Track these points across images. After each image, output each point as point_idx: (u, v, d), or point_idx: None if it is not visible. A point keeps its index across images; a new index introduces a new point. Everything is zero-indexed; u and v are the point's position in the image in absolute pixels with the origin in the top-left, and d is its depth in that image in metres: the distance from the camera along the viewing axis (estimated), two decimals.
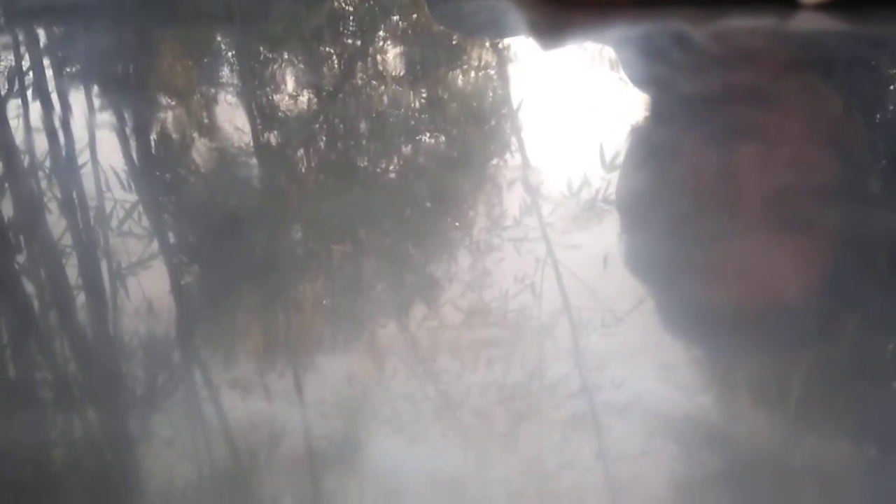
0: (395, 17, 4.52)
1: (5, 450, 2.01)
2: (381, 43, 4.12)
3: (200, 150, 3.32)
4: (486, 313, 2.39)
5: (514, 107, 3.58)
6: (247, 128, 3.48)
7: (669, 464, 1.90)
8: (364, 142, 3.39)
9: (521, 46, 4.07)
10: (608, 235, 2.72)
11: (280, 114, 3.57)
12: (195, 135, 3.40)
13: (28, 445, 2.04)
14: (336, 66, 3.95)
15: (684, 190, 2.83)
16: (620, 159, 3.10)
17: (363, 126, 3.49)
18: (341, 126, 3.52)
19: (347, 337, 2.34)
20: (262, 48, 4.08)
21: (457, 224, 2.87)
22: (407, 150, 3.33)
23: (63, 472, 1.98)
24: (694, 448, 1.93)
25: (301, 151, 3.34)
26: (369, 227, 2.82)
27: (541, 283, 2.50)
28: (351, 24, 4.46)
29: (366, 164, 3.25)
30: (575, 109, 3.48)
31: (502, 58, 3.94)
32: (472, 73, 3.82)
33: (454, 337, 2.31)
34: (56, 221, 2.88)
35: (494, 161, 3.21)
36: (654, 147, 3.14)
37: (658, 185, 2.89)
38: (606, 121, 3.39)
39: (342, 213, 2.90)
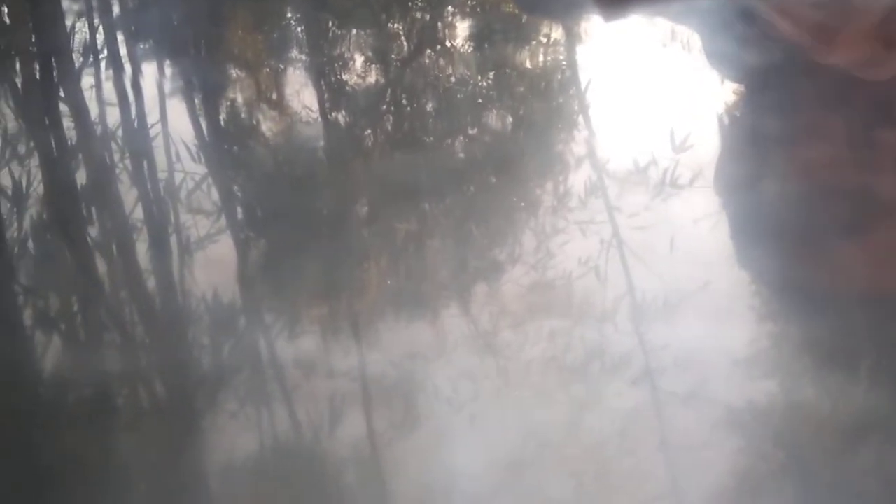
0: None
1: (75, 417, 2.06)
2: (449, 18, 4.10)
3: (268, 122, 3.34)
4: (549, 294, 2.39)
5: (582, 85, 3.54)
6: (314, 102, 3.49)
7: (732, 455, 1.88)
8: (430, 118, 3.39)
9: (592, 24, 4.02)
10: (676, 217, 2.69)
11: (347, 88, 3.58)
12: (264, 107, 3.43)
13: (96, 413, 2.09)
14: (404, 41, 3.94)
15: (795, 176, 2.78)
16: (691, 141, 3.06)
17: (430, 102, 3.49)
18: (408, 102, 3.51)
19: (410, 314, 2.35)
20: (330, 22, 4.09)
21: (522, 204, 2.86)
22: (473, 127, 3.32)
23: (129, 441, 2.03)
24: (757, 439, 1.91)
25: (367, 127, 3.35)
26: (434, 204, 2.83)
27: (605, 266, 2.49)
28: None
29: (431, 140, 3.25)
30: (645, 89, 3.44)
31: (571, 35, 3.90)
32: (541, 51, 3.78)
33: (515, 317, 2.31)
34: (127, 191, 2.92)
35: (561, 140, 3.19)
36: (758, 133, 3.08)
37: (765, 171, 2.84)
38: (677, 101, 3.34)
39: (407, 190, 2.90)
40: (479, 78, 3.64)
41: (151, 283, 2.57)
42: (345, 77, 3.68)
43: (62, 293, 2.53)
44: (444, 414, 2.02)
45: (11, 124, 3.25)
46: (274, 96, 3.55)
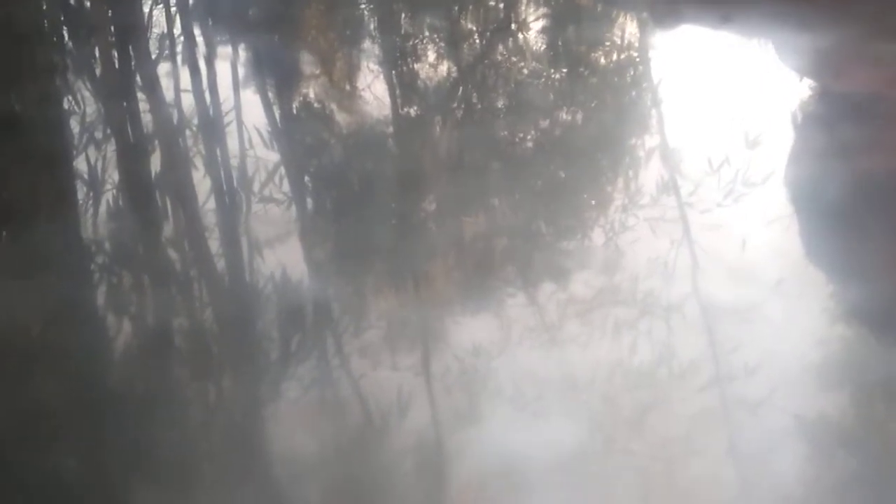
0: None
1: (146, 406, 2.10)
2: (523, 14, 4.08)
3: (340, 112, 3.36)
4: (617, 293, 2.37)
5: (655, 81, 3.50)
6: (385, 93, 3.50)
7: (800, 463, 1.85)
8: (501, 112, 3.38)
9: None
10: (748, 217, 2.65)
11: (419, 80, 3.58)
12: (336, 97, 3.45)
13: (166, 402, 2.13)
14: (477, 37, 3.93)
15: (869, 172, 2.73)
16: (764, 139, 3.01)
17: (501, 98, 3.48)
18: (479, 95, 3.51)
19: (476, 310, 2.35)
20: (403, 14, 4.10)
21: (592, 201, 2.84)
22: (544, 123, 3.30)
23: (198, 430, 2.06)
24: (827, 448, 1.88)
25: (438, 119, 3.35)
26: (503, 200, 2.82)
27: (674, 264, 2.46)
28: None
29: (502, 136, 3.24)
30: (718, 85, 3.39)
31: (645, 33, 3.86)
32: (614, 48, 3.75)
33: (582, 316, 2.30)
34: (200, 177, 2.96)
35: (633, 137, 3.16)
36: (831, 127, 3.03)
37: (838, 166, 2.78)
38: (751, 97, 3.29)
39: (476, 185, 2.90)
40: (552, 71, 3.62)
41: (221, 269, 2.60)
42: (416, 69, 3.69)
43: (135, 279, 2.58)
44: (507, 411, 2.01)
45: (90, 109, 3.31)
46: (346, 86, 3.57)
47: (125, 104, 3.39)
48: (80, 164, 2.99)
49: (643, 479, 1.84)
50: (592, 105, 3.39)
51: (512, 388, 2.07)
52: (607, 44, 3.76)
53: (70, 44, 3.87)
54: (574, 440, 1.92)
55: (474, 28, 3.94)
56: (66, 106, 3.34)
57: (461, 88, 3.51)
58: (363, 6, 4.31)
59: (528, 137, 3.25)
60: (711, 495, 1.82)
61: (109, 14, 4.08)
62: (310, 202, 2.93)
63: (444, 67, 3.66)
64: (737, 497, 1.81)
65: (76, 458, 1.95)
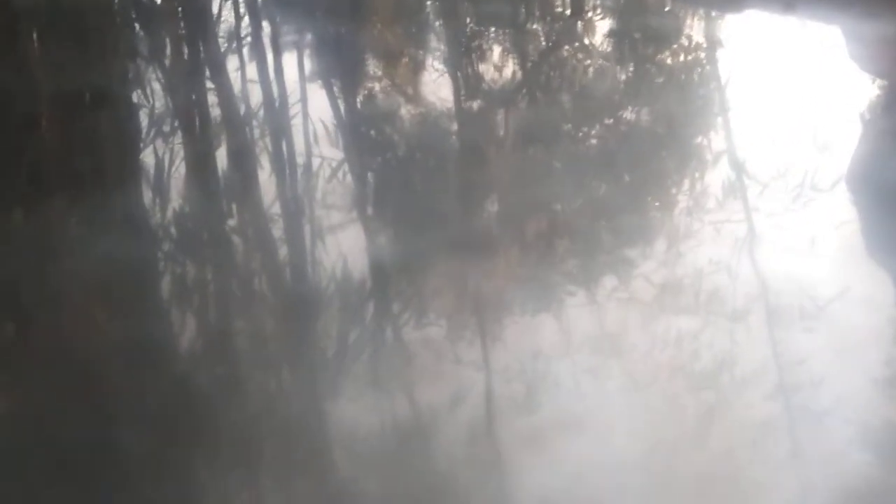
0: None
1: (205, 396, 2.13)
2: (589, 12, 4.05)
3: (404, 110, 3.37)
4: (679, 298, 2.34)
5: (723, 82, 3.46)
6: (449, 92, 3.50)
7: (864, 470, 1.81)
8: (566, 111, 3.36)
9: (735, 21, 3.92)
10: (816, 220, 2.61)
11: (483, 80, 3.58)
12: (400, 94, 3.46)
13: (223, 393, 2.15)
14: (542, 36, 3.91)
15: None
16: (834, 143, 2.96)
17: (566, 97, 3.46)
18: (543, 94, 3.49)
19: (536, 307, 2.34)
20: (469, 16, 4.09)
21: (656, 203, 2.81)
22: (609, 122, 3.28)
23: (254, 421, 2.08)
24: (891, 457, 1.84)
25: (502, 118, 3.34)
26: (565, 200, 2.80)
27: (738, 266, 2.43)
28: None
29: (566, 134, 3.22)
30: (787, 88, 3.34)
31: (713, 32, 3.81)
32: (681, 48, 3.71)
33: (644, 318, 2.28)
34: (264, 173, 2.99)
35: (699, 138, 3.12)
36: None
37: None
38: (821, 101, 3.24)
39: (539, 184, 2.89)
40: (618, 70, 3.59)
41: (284, 262, 2.62)
42: (481, 68, 3.68)
43: (199, 269, 2.61)
44: (566, 410, 2.00)
45: (159, 103, 3.35)
46: (410, 84, 3.58)
47: (193, 96, 3.44)
48: (148, 157, 3.03)
49: (704, 484, 1.82)
50: (658, 105, 3.35)
51: (571, 387, 2.06)
52: (675, 45, 3.72)
53: (141, 35, 3.93)
54: (633, 442, 1.91)
55: (539, 28, 3.93)
56: (135, 99, 3.39)
57: (525, 86, 3.50)
58: (429, 3, 4.32)
59: (593, 137, 3.22)
60: (773, 500, 1.79)
61: (180, 9, 4.13)
62: (372, 197, 2.94)
63: (508, 65, 3.65)
64: (798, 503, 1.78)
65: (141, 442, 1.98)
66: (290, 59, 3.72)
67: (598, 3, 4.16)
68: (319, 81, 3.58)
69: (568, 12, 4.02)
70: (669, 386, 2.07)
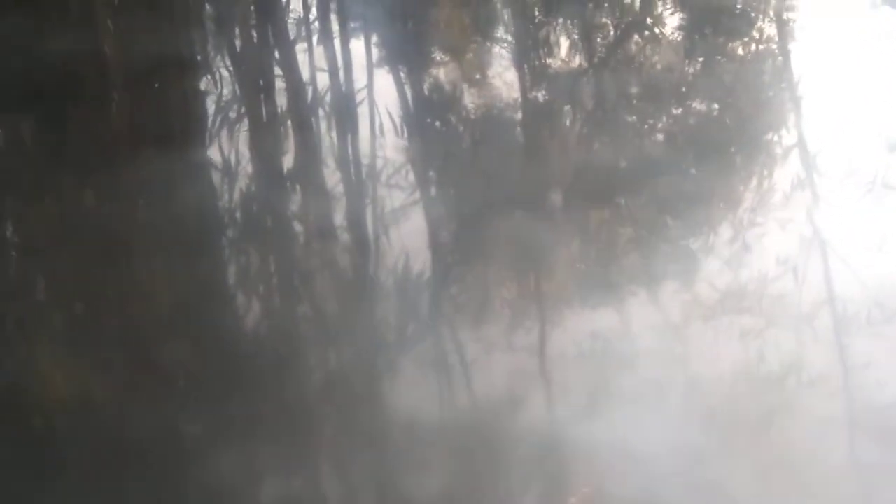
0: None
1: (267, 375, 2.15)
2: (658, 8, 4.01)
3: (470, 99, 3.36)
4: (743, 295, 2.30)
5: (794, 79, 3.40)
6: (515, 81, 3.49)
7: None
8: (633, 103, 3.32)
9: (808, 15, 3.85)
10: (886, 218, 2.56)
11: (550, 69, 3.56)
12: (466, 84, 3.45)
13: (287, 373, 2.17)
14: (611, 28, 3.88)
15: None
16: None
17: (633, 89, 3.43)
18: (610, 86, 3.46)
19: (597, 301, 2.33)
20: (537, 8, 4.07)
21: (722, 198, 2.77)
22: (677, 114, 3.24)
23: (315, 403, 2.10)
24: None
25: (567, 109, 3.32)
26: (629, 193, 2.78)
27: (804, 268, 2.38)
28: None
29: (632, 126, 3.19)
30: (859, 85, 3.27)
31: (785, 29, 3.74)
32: (752, 43, 3.65)
33: (707, 316, 2.25)
34: (329, 159, 3.01)
35: (769, 133, 3.07)
36: None
37: None
38: (893, 99, 3.17)
39: (604, 175, 2.87)
40: (687, 64, 3.55)
41: (346, 248, 2.64)
42: (548, 59, 3.67)
43: (262, 252, 2.64)
44: (625, 402, 1.99)
45: (227, 90, 3.39)
46: (477, 73, 3.57)
47: (261, 82, 3.47)
48: (214, 154, 3.06)
49: (761, 481, 1.80)
50: (728, 98, 3.30)
51: (630, 381, 2.04)
52: (746, 37, 3.66)
53: (211, 22, 3.98)
54: (692, 438, 1.89)
55: (608, 21, 3.89)
56: (203, 86, 3.43)
57: (592, 78, 3.47)
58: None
59: (659, 130, 3.19)
60: (830, 499, 1.76)
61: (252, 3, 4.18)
62: (434, 187, 2.94)
63: (575, 57, 3.63)
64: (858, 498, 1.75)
65: (202, 419, 2.01)
66: (357, 47, 3.74)
67: None
68: (386, 68, 3.59)
69: (637, 5, 3.99)
70: (732, 385, 2.05)
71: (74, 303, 2.37)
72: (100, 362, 2.14)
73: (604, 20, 3.90)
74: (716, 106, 3.29)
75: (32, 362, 2.15)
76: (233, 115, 3.27)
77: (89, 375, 2.10)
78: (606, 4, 4.02)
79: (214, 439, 1.94)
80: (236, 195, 2.84)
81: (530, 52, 3.73)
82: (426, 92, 3.45)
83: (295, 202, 2.84)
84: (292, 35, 3.78)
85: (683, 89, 3.37)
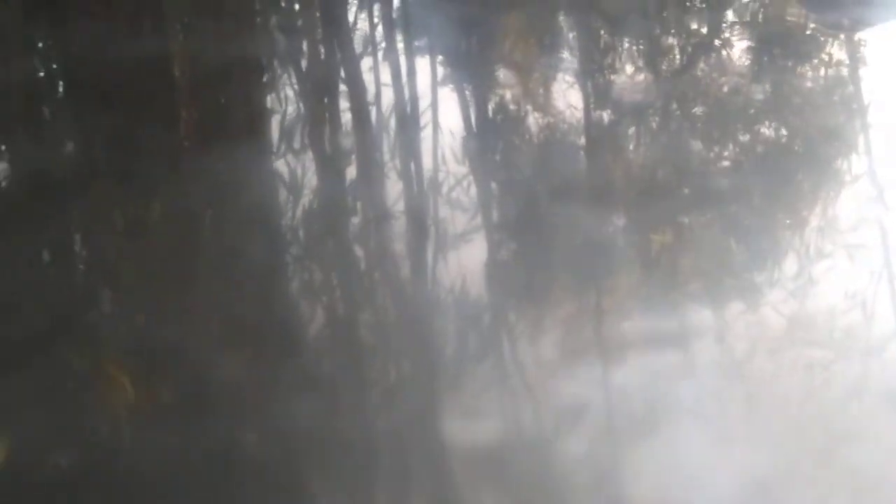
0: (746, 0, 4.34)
1: (327, 387, 2.16)
2: (726, 26, 3.98)
3: (533, 121, 3.36)
4: (810, 326, 2.26)
5: (865, 105, 3.34)
6: (580, 104, 3.48)
7: None
8: (698, 126, 3.30)
9: (881, 41, 3.79)
10: None
11: (614, 92, 3.54)
12: (530, 106, 3.45)
13: (347, 385, 2.18)
14: (676, 48, 3.85)
15: None
16: None
17: (699, 113, 3.40)
18: (675, 111, 3.44)
19: (659, 324, 2.30)
20: (602, 31, 4.06)
21: (787, 221, 2.73)
22: (744, 139, 3.20)
23: (372, 421, 2.10)
24: None
25: (632, 133, 3.30)
26: (693, 216, 2.75)
27: (873, 300, 2.34)
28: (698, 2, 4.34)
29: (697, 150, 3.16)
30: None
31: (856, 53, 3.69)
32: (822, 64, 3.60)
33: (771, 342, 2.21)
34: (391, 178, 3.02)
35: (837, 159, 3.02)
36: None
37: None
38: None
39: (666, 200, 2.84)
40: (754, 87, 3.51)
41: (405, 266, 2.64)
42: (612, 81, 3.65)
43: (325, 271, 2.66)
44: (686, 429, 1.96)
45: (292, 108, 3.42)
46: (541, 96, 3.57)
47: (326, 100, 3.50)
48: (281, 167, 3.09)
49: None
50: (796, 123, 3.26)
51: (693, 406, 2.02)
52: (815, 60, 3.61)
53: (279, 39, 4.03)
54: (756, 464, 1.86)
55: (675, 43, 3.87)
56: (269, 104, 3.47)
57: (658, 101, 3.45)
58: (563, 17, 4.31)
59: (725, 154, 3.16)
60: None
61: (318, 14, 4.22)
62: (495, 208, 2.94)
63: (641, 79, 3.61)
64: None
65: (258, 433, 2.02)
66: (423, 67, 3.76)
67: (737, 19, 4.09)
68: (451, 87, 3.60)
69: (704, 30, 3.96)
70: (797, 411, 2.01)
71: (139, 314, 2.40)
72: (163, 373, 2.17)
73: (670, 42, 3.87)
74: (784, 132, 3.25)
75: (99, 372, 2.18)
76: (298, 134, 3.30)
77: (153, 386, 2.13)
78: (673, 28, 4.00)
79: (271, 452, 1.95)
80: (299, 211, 2.86)
81: (595, 74, 3.72)
82: (489, 111, 3.45)
83: (356, 216, 2.86)
84: (358, 50, 3.81)
85: (752, 111, 3.33)
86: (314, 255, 2.71)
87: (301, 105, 3.46)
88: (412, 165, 3.12)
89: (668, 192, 2.89)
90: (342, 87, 3.61)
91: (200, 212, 2.81)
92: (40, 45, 3.89)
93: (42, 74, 3.77)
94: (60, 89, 3.69)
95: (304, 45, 4.01)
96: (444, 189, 2.93)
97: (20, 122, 3.45)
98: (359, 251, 2.75)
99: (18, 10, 4.11)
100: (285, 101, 3.48)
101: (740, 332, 2.27)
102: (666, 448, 1.91)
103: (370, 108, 3.45)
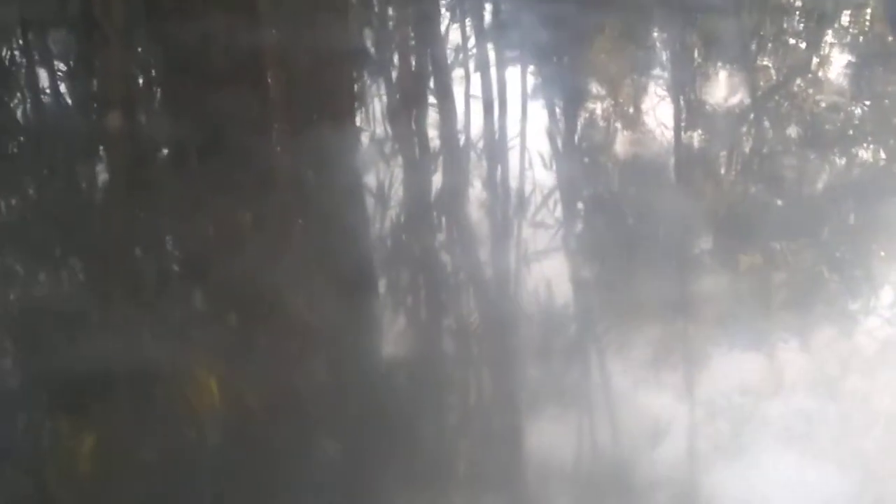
0: (845, 21, 4.25)
1: (410, 398, 2.17)
2: (825, 45, 3.90)
3: (622, 139, 3.33)
4: None
5: None
6: (671, 123, 3.45)
7: None
8: (793, 145, 3.23)
9: None
10: None
11: (707, 108, 3.50)
12: (619, 123, 3.42)
13: (429, 396, 2.19)
14: (772, 67, 3.79)
15: None
16: None
17: (794, 132, 3.33)
18: (769, 130, 3.38)
19: (746, 344, 2.27)
20: (696, 49, 4.02)
21: (882, 253, 2.66)
22: (840, 162, 3.13)
23: (453, 432, 2.10)
24: None
25: (724, 152, 3.25)
26: (784, 240, 2.70)
27: None
28: (796, 22, 4.26)
29: (791, 170, 3.10)
30: None
31: None
32: None
33: (864, 366, 2.16)
34: (476, 191, 3.03)
35: None
36: None
37: None
38: None
39: (757, 220, 2.79)
40: (853, 106, 3.43)
41: (490, 279, 2.64)
42: (705, 97, 3.60)
43: (410, 279, 2.67)
44: (775, 450, 1.93)
45: (379, 129, 3.45)
46: (632, 110, 3.54)
47: (414, 112, 3.52)
48: (369, 171, 3.12)
49: None
50: (895, 147, 3.17)
51: (780, 426, 1.98)
52: None
53: (372, 54, 4.07)
54: (846, 485, 1.81)
55: (770, 64, 3.81)
56: (358, 122, 3.50)
57: (751, 118, 3.39)
58: (656, 33, 4.27)
59: (820, 176, 3.09)
60: None
61: (410, 28, 4.25)
62: (581, 223, 2.92)
63: (734, 98, 3.55)
64: None
65: (337, 440, 2.03)
66: (512, 81, 3.76)
67: (835, 40, 4.01)
68: (542, 101, 3.60)
69: (803, 45, 3.88)
70: (887, 433, 1.96)
71: (229, 314, 2.44)
72: (250, 375, 2.20)
73: (765, 62, 3.81)
74: (883, 155, 3.17)
75: (189, 371, 2.22)
76: (387, 149, 3.32)
77: (240, 387, 2.16)
78: (770, 45, 3.94)
79: (351, 461, 1.96)
80: (387, 222, 2.88)
81: (687, 92, 3.68)
82: (578, 127, 3.44)
83: (441, 228, 2.87)
84: (449, 60, 3.83)
85: (850, 132, 3.26)
86: (399, 268, 2.72)
87: (387, 126, 3.48)
88: (498, 178, 3.12)
89: (760, 215, 2.84)
90: (432, 99, 3.63)
91: (292, 219, 2.85)
92: (160, 34, 4.06)
93: (160, 62, 3.93)
94: (175, 74, 3.81)
95: (396, 58, 4.04)
96: (531, 202, 2.93)
97: (142, 103, 3.63)
98: (443, 263, 2.75)
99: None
100: (373, 121, 3.50)
101: (832, 353, 2.22)
102: (752, 471, 1.88)
103: (458, 120, 3.47)
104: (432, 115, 3.48)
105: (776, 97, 3.59)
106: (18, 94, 3.73)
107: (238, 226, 2.79)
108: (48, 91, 3.75)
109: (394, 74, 3.87)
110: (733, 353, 2.26)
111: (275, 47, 3.94)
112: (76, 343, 2.29)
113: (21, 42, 4.22)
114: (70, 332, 2.33)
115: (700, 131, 3.41)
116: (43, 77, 3.85)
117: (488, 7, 4.47)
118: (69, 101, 3.69)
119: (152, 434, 2.03)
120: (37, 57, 4.07)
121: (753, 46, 3.93)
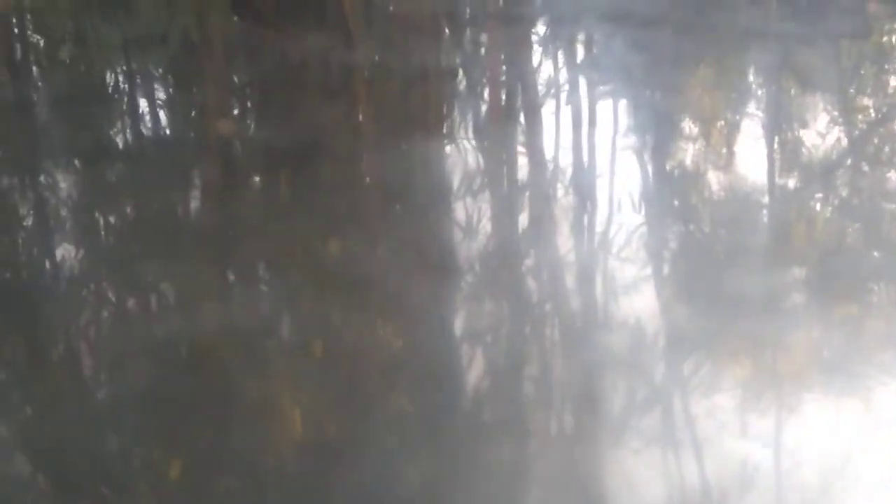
0: None
1: (485, 433, 2.14)
2: None
3: (713, 179, 3.28)
4: None
5: None
6: (765, 165, 3.39)
7: None
8: (891, 192, 3.15)
9: None
10: None
11: (803, 150, 3.43)
12: (711, 163, 3.38)
13: (502, 429, 2.16)
14: (871, 107, 3.71)
15: None
16: None
17: (893, 174, 3.24)
18: (868, 173, 3.29)
19: (840, 391, 2.19)
20: (793, 82, 3.96)
21: None
22: None
23: (531, 466, 2.07)
24: None
25: (820, 194, 3.18)
26: (881, 285, 2.62)
27: None
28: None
29: (890, 215, 3.01)
30: None
31: None
32: None
33: None
34: (566, 225, 3.01)
35: None
36: None
37: None
38: None
39: (851, 265, 2.72)
40: None
41: (576, 313, 2.61)
42: (801, 140, 3.54)
43: (496, 306, 2.65)
44: (863, 499, 1.85)
45: (471, 159, 3.46)
46: (724, 151, 3.49)
47: (504, 147, 3.53)
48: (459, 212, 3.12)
49: None
50: None
51: (873, 476, 1.90)
52: None
53: (462, 86, 4.10)
54: None
55: (870, 103, 3.73)
56: (447, 152, 3.52)
57: (849, 162, 3.31)
58: (753, 73, 4.22)
59: None
60: None
61: (503, 56, 4.27)
62: (668, 261, 2.87)
63: (832, 139, 3.48)
64: None
65: (417, 469, 2.01)
66: (604, 115, 3.75)
67: None
68: (631, 141, 3.57)
69: None
70: None
71: (314, 343, 2.45)
72: (332, 403, 2.20)
73: (865, 102, 3.73)
74: None
75: (272, 398, 2.24)
76: (477, 178, 3.32)
77: (322, 416, 2.16)
78: (870, 87, 3.86)
79: (429, 490, 1.94)
80: (474, 253, 2.88)
81: (783, 132, 3.62)
82: (668, 167, 3.40)
83: (528, 257, 2.85)
84: (541, 93, 3.83)
85: None
86: (485, 298, 2.71)
87: (480, 157, 3.49)
88: (586, 212, 3.10)
89: (857, 257, 2.76)
90: (520, 137, 3.63)
91: (378, 248, 2.86)
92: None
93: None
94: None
95: (486, 93, 4.06)
96: (618, 237, 2.89)
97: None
98: (530, 294, 2.73)
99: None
100: (465, 153, 3.52)
101: None
102: None
103: (546, 160, 3.46)
104: (520, 138, 3.48)
105: (875, 140, 3.50)
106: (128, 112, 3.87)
107: (328, 253, 2.82)
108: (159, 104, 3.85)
109: (485, 94, 3.87)
110: (825, 396, 2.19)
111: (370, 66, 4.03)
112: (165, 365, 2.33)
113: (125, 64, 4.39)
114: (160, 353, 2.37)
115: (795, 175, 3.35)
116: (149, 94, 4.00)
117: (581, 37, 4.47)
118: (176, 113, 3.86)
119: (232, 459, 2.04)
120: (139, 79, 4.22)
121: (852, 89, 3.86)
